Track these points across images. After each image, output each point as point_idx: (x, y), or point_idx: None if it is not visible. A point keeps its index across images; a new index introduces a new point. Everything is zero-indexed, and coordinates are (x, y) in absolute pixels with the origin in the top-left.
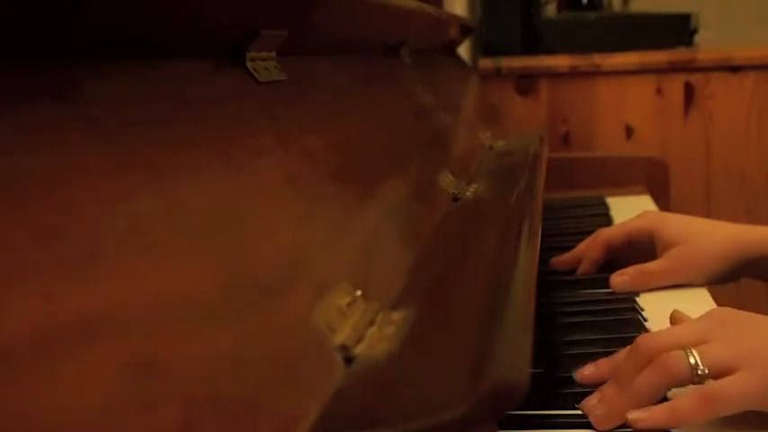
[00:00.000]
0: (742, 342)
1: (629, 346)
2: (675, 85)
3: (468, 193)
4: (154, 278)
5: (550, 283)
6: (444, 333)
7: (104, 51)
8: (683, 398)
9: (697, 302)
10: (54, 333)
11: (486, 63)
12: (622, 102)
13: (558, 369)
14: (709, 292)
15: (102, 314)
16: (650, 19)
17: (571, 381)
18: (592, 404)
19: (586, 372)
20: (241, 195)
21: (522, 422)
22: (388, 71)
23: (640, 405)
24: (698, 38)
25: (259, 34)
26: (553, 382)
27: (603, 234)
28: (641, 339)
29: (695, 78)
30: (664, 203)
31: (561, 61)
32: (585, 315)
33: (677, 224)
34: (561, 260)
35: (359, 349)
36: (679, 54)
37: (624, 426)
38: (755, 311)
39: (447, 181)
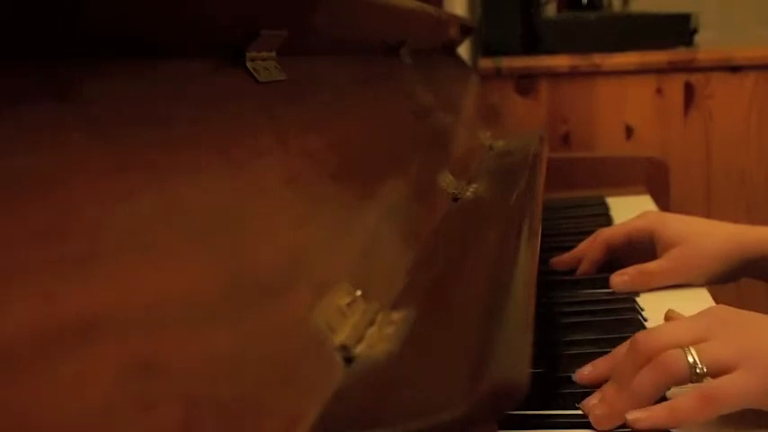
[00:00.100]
0: (741, 341)
1: (626, 342)
2: (675, 85)
3: (468, 193)
4: (154, 278)
5: (550, 283)
6: (444, 333)
7: (104, 51)
8: (683, 397)
9: (697, 302)
10: (54, 333)
11: (486, 63)
12: (622, 102)
13: (558, 369)
14: (710, 292)
15: (102, 314)
16: (650, 19)
17: (571, 381)
18: (592, 404)
19: (585, 372)
20: (241, 195)
21: (522, 422)
22: (388, 71)
23: (640, 404)
24: (698, 38)
25: (259, 34)
26: (553, 382)
27: (603, 234)
28: (640, 337)
29: (695, 78)
30: (664, 203)
31: (561, 61)
32: (585, 315)
33: (677, 224)
34: (561, 260)
35: (359, 349)
36: (679, 54)
37: (624, 426)
38: (756, 311)
39: (447, 181)
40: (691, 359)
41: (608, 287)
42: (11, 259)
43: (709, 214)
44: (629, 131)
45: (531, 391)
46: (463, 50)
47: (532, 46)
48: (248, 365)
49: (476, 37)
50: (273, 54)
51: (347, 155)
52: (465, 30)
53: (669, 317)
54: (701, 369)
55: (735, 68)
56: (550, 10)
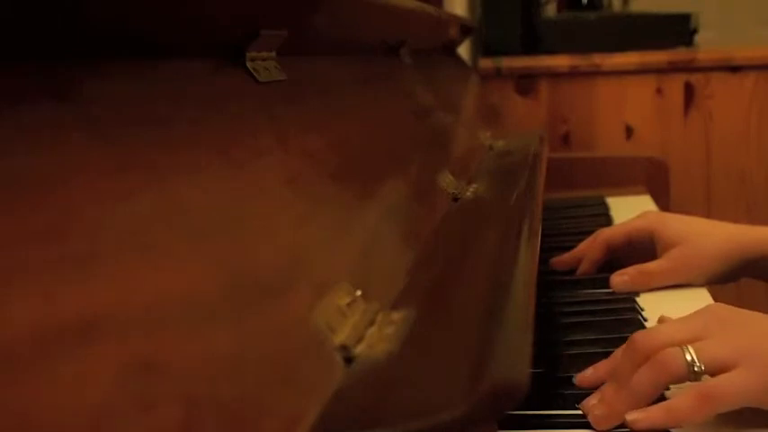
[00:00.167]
0: (739, 339)
1: (625, 344)
2: (675, 85)
3: (468, 193)
4: (154, 278)
5: (550, 283)
6: (444, 333)
7: (104, 51)
8: (681, 397)
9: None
10: (54, 333)
11: (486, 63)
12: (622, 102)
13: (558, 369)
14: (709, 292)
15: (102, 314)
16: (650, 19)
17: (571, 381)
18: (591, 404)
19: (586, 375)
20: (241, 195)
21: (522, 422)
22: (388, 71)
23: (638, 403)
24: (698, 38)
25: (259, 34)
26: (553, 382)
27: (603, 234)
28: (638, 336)
29: (695, 78)
30: (664, 203)
31: (561, 61)
32: (585, 315)
33: (677, 224)
34: (561, 260)
35: (359, 349)
36: (679, 54)
37: (623, 426)
38: (756, 311)
39: (447, 181)
40: (689, 357)
41: (608, 287)
42: (11, 259)
43: (709, 214)
44: (629, 131)
45: (531, 391)
46: (463, 50)
47: (532, 46)
48: (248, 365)
49: (476, 37)
50: (273, 54)
51: (347, 155)
52: (465, 30)
53: (662, 322)
54: (700, 367)
55: (735, 68)
56: (550, 10)
